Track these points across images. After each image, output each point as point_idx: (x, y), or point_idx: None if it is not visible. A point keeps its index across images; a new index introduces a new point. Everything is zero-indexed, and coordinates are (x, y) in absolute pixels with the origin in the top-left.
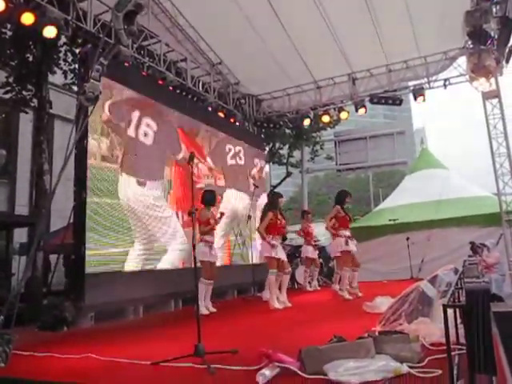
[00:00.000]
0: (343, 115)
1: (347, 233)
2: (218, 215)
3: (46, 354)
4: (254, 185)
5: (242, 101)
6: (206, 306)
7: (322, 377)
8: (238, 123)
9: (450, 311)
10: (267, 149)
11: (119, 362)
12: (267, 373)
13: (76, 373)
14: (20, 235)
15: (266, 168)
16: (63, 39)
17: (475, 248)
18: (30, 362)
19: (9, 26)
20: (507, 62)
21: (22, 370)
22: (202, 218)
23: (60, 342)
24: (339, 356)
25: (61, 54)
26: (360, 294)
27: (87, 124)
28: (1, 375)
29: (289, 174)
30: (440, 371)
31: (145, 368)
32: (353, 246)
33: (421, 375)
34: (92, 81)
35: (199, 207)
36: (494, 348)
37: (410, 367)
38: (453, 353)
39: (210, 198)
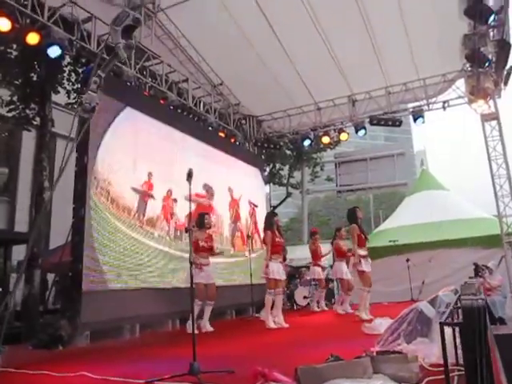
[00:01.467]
0: (343, 136)
1: (362, 252)
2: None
3: (40, 372)
4: (253, 204)
5: (243, 121)
6: (203, 325)
7: None
8: (238, 143)
9: (449, 332)
10: (267, 169)
11: (113, 380)
12: None
13: None
14: (18, 253)
15: (266, 189)
16: (67, 59)
17: (478, 270)
18: (22, 380)
19: (14, 46)
20: (505, 84)
21: None
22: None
23: (54, 360)
24: (336, 375)
25: (65, 74)
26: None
27: (88, 140)
28: None
29: (289, 195)
30: None
31: None
32: (367, 265)
33: None
34: (89, 92)
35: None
36: (494, 367)
37: None
38: (452, 374)
39: (199, 220)
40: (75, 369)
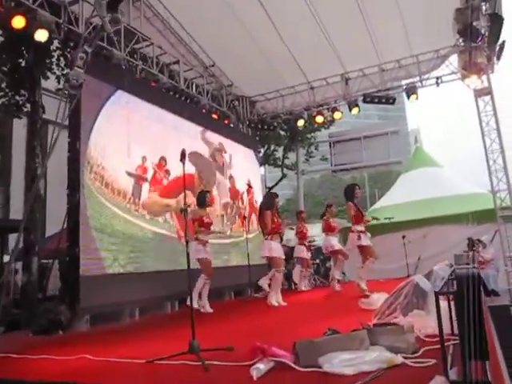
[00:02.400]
0: (337, 115)
1: (359, 228)
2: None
3: (41, 356)
4: (248, 185)
5: (236, 102)
6: (203, 306)
7: (316, 369)
8: (231, 125)
9: (444, 305)
10: (262, 151)
11: (114, 361)
12: (261, 367)
13: (71, 373)
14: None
15: (261, 170)
16: (56, 44)
17: (472, 244)
18: (24, 364)
19: (0, 31)
20: (498, 59)
21: (16, 371)
22: (195, 216)
23: (55, 344)
24: (333, 348)
25: (53, 59)
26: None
27: (79, 125)
28: None
29: (284, 176)
30: (434, 360)
31: (140, 366)
32: (366, 240)
33: (415, 365)
34: (76, 68)
35: (194, 206)
36: (487, 334)
37: (405, 358)
38: (448, 343)
39: (201, 198)
40: (76, 352)
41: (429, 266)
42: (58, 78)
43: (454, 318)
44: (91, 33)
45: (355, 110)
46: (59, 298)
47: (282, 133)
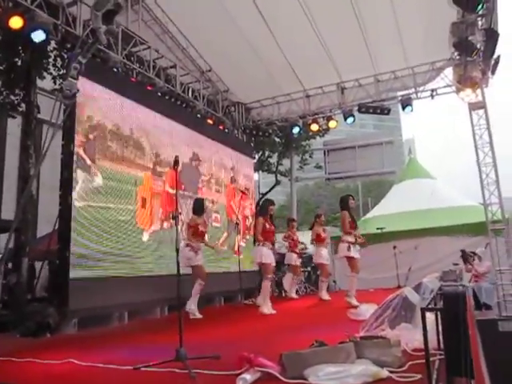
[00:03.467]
0: (332, 124)
1: (350, 238)
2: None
3: (26, 359)
4: (242, 191)
5: (232, 108)
6: (192, 312)
7: (302, 381)
8: (226, 130)
9: (432, 317)
10: (256, 157)
11: (100, 367)
12: (248, 377)
13: (55, 378)
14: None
15: (255, 176)
16: (53, 44)
17: (466, 256)
18: (8, 367)
19: None
20: (493, 73)
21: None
22: (191, 223)
23: (41, 347)
24: (320, 360)
25: (50, 59)
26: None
27: (74, 128)
28: None
29: (278, 183)
30: (420, 375)
31: (126, 373)
32: (355, 252)
33: (400, 379)
34: (70, 79)
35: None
36: (473, 351)
37: (391, 372)
38: (433, 358)
39: (199, 205)
40: (62, 356)
41: (419, 277)
42: (54, 78)
43: (441, 331)
44: (88, 35)
45: (350, 120)
46: (48, 299)
47: (277, 139)
